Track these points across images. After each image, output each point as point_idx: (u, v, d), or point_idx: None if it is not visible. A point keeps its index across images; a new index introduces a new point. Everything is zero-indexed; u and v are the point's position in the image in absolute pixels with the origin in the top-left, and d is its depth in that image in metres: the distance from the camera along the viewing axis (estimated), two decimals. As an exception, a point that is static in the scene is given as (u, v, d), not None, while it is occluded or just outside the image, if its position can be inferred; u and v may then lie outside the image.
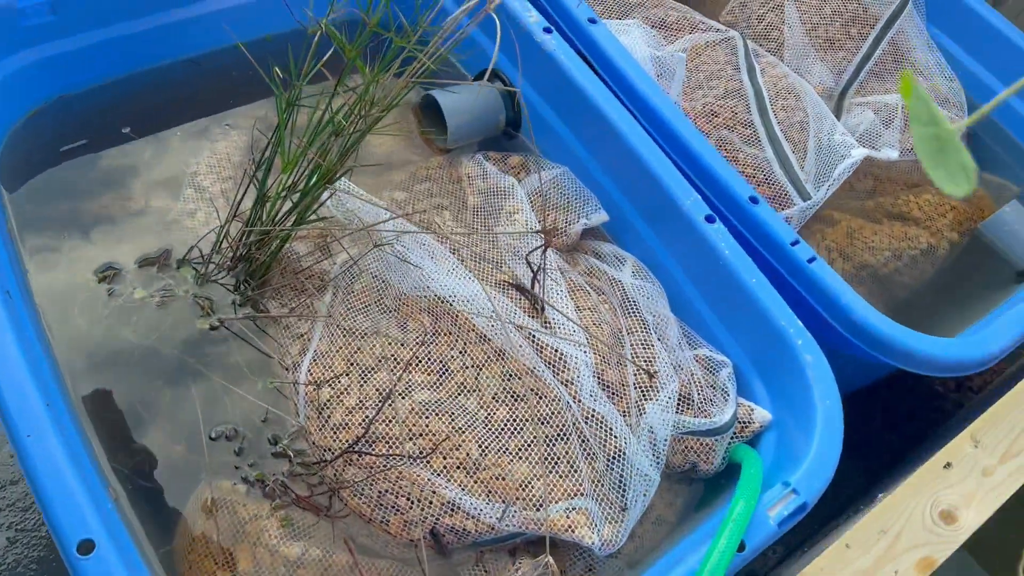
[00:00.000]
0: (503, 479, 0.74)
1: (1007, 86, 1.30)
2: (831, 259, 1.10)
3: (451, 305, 0.82)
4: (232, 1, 1.01)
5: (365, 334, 0.82)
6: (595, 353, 0.81)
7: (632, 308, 0.89)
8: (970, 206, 1.19)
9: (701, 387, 0.84)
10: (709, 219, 0.87)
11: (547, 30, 0.99)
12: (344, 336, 0.82)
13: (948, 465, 0.81)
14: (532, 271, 0.80)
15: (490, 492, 0.73)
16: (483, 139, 1.03)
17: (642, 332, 0.87)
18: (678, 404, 0.82)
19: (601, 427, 0.77)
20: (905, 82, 0.38)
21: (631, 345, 0.86)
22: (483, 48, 1.05)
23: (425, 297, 0.84)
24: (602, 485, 0.76)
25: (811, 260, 0.89)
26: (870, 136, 1.16)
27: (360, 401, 0.77)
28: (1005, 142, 1.26)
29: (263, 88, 1.07)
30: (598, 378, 0.80)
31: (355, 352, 0.81)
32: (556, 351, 0.80)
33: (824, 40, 1.26)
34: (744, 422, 0.82)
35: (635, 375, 0.81)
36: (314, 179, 0.80)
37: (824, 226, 1.11)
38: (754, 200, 0.92)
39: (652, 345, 0.84)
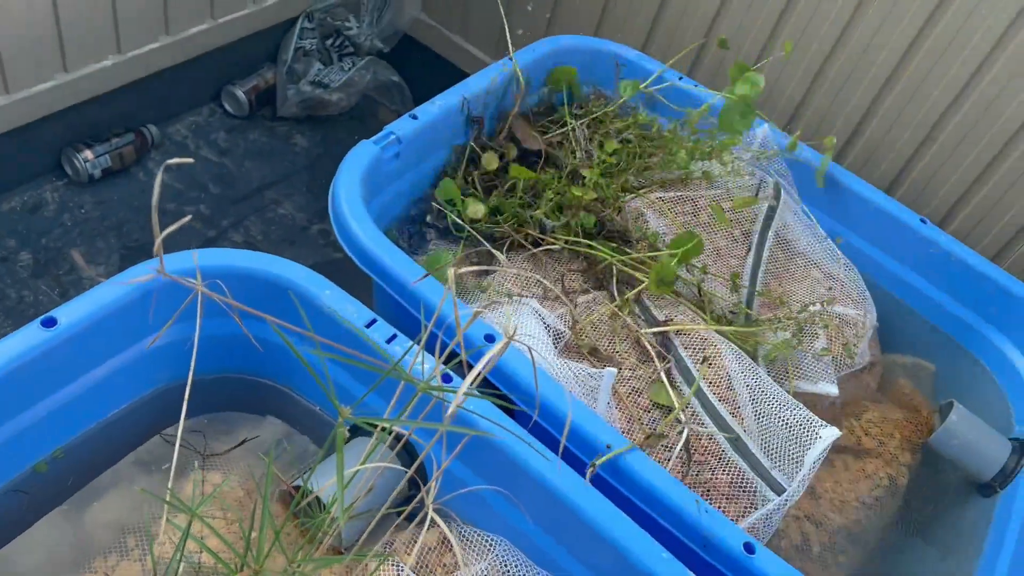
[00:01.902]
0: None
1: (884, 252, 1.24)
2: (804, 532, 0.96)
3: None
4: None
5: None
6: None
7: None
8: (907, 411, 1.10)
9: None
10: (722, 612, 0.69)
11: (446, 377, 0.77)
12: None
13: None
14: None
15: None
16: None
17: None
18: None
19: None
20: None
21: None
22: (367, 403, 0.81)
23: None
24: None
25: (837, 616, 0.73)
26: (794, 366, 1.04)
27: None
28: (913, 320, 1.19)
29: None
30: None
31: None
32: None
33: (712, 251, 1.14)
34: None
35: None
36: None
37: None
38: (750, 548, 0.75)
39: None
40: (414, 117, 1.00)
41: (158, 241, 0.42)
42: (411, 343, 0.75)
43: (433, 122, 1.02)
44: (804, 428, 0.88)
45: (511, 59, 1.13)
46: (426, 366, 0.75)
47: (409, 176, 1.03)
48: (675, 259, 0.99)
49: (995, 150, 1.25)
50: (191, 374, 0.61)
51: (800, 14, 1.31)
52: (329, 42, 1.70)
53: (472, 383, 0.50)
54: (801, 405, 0.91)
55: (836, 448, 1.04)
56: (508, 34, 1.35)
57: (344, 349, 0.51)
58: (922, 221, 1.16)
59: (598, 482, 0.77)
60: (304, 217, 1.54)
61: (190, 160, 0.50)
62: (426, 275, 0.58)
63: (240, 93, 1.65)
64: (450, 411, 0.49)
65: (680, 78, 1.26)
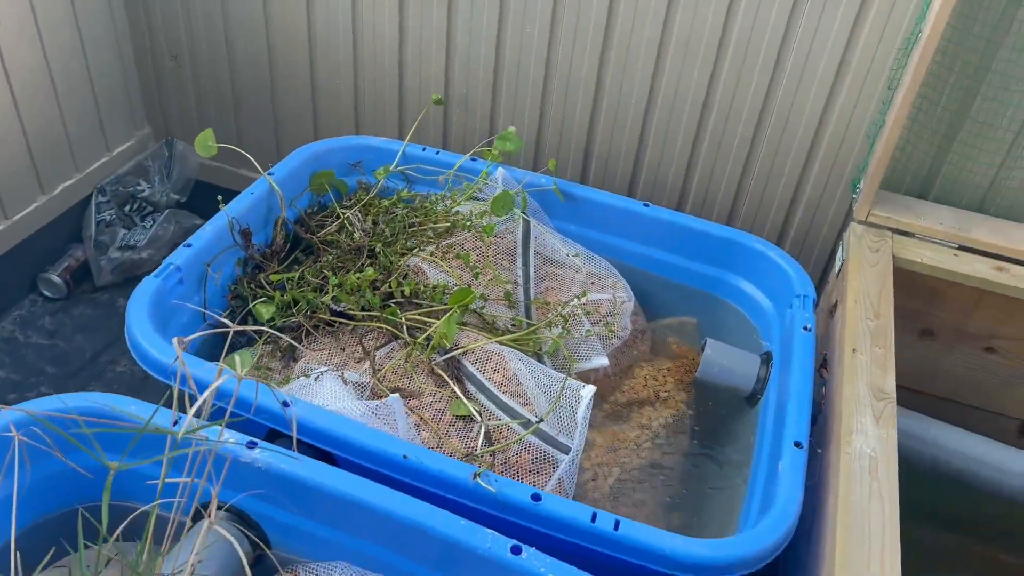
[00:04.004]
0: None
1: (626, 239, 1.45)
2: (610, 478, 1.13)
3: None
4: None
5: None
6: None
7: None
8: (677, 360, 1.30)
9: None
10: (515, 550, 0.84)
11: (251, 444, 0.91)
12: None
13: None
14: None
15: None
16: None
17: None
18: None
19: None
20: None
21: None
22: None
23: None
24: None
25: (616, 525, 0.89)
26: (570, 352, 1.22)
27: None
28: (666, 287, 1.41)
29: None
30: None
31: None
32: None
33: (487, 279, 1.32)
34: None
35: None
36: None
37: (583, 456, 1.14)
38: (536, 498, 0.91)
39: None
40: (188, 245, 1.15)
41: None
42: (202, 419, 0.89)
43: (207, 246, 1.17)
44: (572, 394, 1.06)
45: (267, 175, 1.30)
46: (227, 436, 0.88)
47: (201, 295, 1.18)
48: (454, 318, 1.15)
49: (691, 137, 1.52)
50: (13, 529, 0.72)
51: (509, 68, 1.55)
52: (127, 208, 1.83)
53: (203, 415, 0.64)
54: (568, 377, 1.09)
55: (622, 405, 1.23)
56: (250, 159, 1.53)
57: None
58: (645, 205, 1.39)
59: (408, 488, 0.92)
60: (141, 369, 1.64)
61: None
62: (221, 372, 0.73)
63: (55, 277, 1.75)
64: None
65: (423, 149, 1.47)
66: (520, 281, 1.34)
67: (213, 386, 0.63)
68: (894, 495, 0.93)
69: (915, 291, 1.34)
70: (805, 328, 1.18)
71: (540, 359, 1.23)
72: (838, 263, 1.36)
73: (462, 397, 1.11)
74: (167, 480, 0.72)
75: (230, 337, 0.74)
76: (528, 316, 1.30)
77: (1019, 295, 1.30)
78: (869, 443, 1.00)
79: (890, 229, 1.36)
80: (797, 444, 1.01)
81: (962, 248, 1.34)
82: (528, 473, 1.05)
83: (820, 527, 0.97)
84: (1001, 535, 1.40)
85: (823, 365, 1.22)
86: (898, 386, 1.46)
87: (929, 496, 1.32)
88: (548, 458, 1.05)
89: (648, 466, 1.15)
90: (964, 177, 1.39)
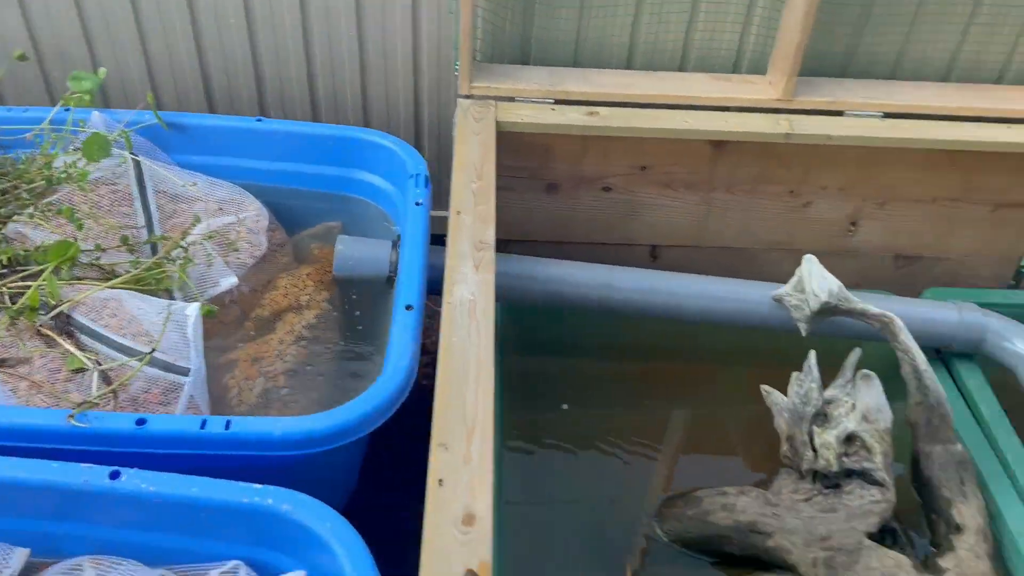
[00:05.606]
0: None
1: (249, 158, 1.43)
2: (250, 388, 1.14)
3: None
4: None
5: None
6: None
7: None
8: (316, 265, 1.32)
9: None
10: (114, 475, 0.83)
11: None
12: None
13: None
14: None
15: None
16: None
17: None
18: None
19: None
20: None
21: None
22: None
23: None
24: None
25: (228, 425, 0.90)
26: (198, 281, 1.20)
27: None
28: (301, 197, 1.41)
29: None
30: None
31: None
32: None
33: (105, 229, 1.26)
34: None
35: None
36: None
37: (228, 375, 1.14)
38: (141, 422, 0.89)
39: None
40: None
41: None
42: None
43: None
44: (181, 313, 1.05)
45: None
46: None
47: None
48: (54, 273, 1.08)
49: (301, 48, 1.50)
50: None
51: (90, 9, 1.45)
52: None
53: None
54: (172, 303, 1.07)
55: (265, 318, 1.24)
56: None
57: None
58: (257, 120, 1.38)
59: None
60: None
61: None
62: None
63: None
64: None
65: (9, 110, 1.35)
66: (143, 223, 1.28)
67: None
68: (489, 328, 1.01)
69: (528, 151, 1.44)
70: (416, 203, 1.24)
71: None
72: (455, 140, 1.43)
73: (74, 351, 1.06)
74: None
75: None
76: (155, 254, 1.26)
77: (613, 134, 1.44)
78: (469, 289, 1.07)
79: (492, 98, 1.44)
80: (408, 307, 1.07)
81: (558, 102, 1.45)
82: (159, 406, 1.03)
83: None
84: (622, 347, 1.54)
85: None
86: (537, 241, 1.59)
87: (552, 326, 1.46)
88: (173, 386, 1.03)
89: (294, 369, 1.17)
90: (553, 37, 1.49)
